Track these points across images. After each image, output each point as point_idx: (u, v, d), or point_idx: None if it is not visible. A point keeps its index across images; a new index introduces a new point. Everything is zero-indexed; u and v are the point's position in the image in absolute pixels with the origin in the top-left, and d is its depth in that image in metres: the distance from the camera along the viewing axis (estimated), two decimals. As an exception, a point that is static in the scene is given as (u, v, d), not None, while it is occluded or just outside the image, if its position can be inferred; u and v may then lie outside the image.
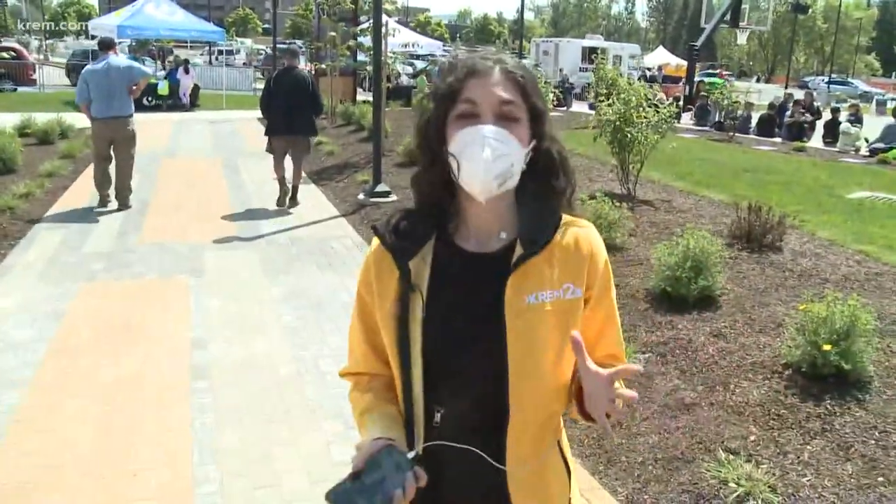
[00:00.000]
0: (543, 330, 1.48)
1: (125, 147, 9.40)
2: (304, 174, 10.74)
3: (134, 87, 9.37)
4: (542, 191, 1.55)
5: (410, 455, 1.44)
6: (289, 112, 9.58)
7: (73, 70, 26.27)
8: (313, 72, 21.66)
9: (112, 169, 9.50)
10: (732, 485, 3.53)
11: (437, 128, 1.51)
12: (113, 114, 9.16)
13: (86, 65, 10.00)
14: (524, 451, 1.53)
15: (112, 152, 9.40)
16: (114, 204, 9.52)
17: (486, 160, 1.42)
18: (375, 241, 1.62)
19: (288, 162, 9.97)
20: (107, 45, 9.54)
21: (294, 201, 9.92)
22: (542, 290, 1.49)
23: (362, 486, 1.39)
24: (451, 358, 1.52)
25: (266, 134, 9.99)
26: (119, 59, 9.61)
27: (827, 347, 4.22)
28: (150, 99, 22.43)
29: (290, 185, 9.89)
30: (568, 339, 1.45)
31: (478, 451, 1.48)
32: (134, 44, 30.41)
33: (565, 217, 1.56)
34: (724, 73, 40.52)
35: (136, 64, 10.47)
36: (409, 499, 1.41)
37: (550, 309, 1.49)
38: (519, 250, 1.49)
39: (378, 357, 1.64)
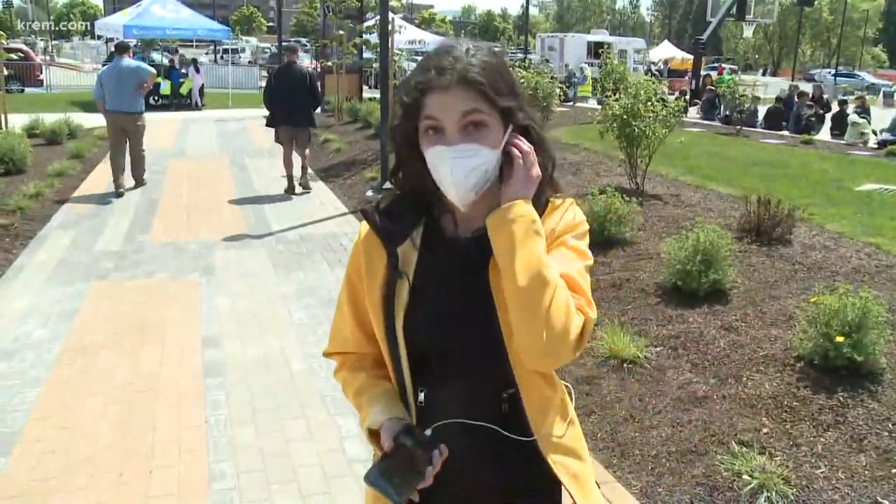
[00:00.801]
0: None
1: (136, 138, 10.61)
2: (311, 171, 11.50)
3: (144, 85, 10.51)
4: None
5: (428, 432, 1.50)
6: (290, 105, 10.39)
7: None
8: (319, 69, 21.73)
9: (127, 158, 10.64)
10: (746, 477, 3.54)
11: (407, 137, 1.51)
12: (122, 109, 10.28)
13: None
14: (544, 418, 1.56)
15: (126, 143, 10.55)
16: (130, 183, 10.68)
17: (456, 181, 1.44)
18: (364, 225, 1.63)
19: (294, 158, 10.74)
20: (122, 49, 10.77)
21: (307, 187, 10.78)
22: None
23: (395, 467, 1.46)
24: (437, 342, 1.54)
25: (269, 125, 10.85)
26: (129, 61, 10.60)
27: (839, 339, 4.22)
28: (156, 98, 22.49)
29: (300, 169, 10.75)
30: None
31: (496, 427, 1.52)
32: (140, 43, 30.47)
33: (553, 201, 1.58)
34: (723, 67, 40.13)
35: (143, 65, 11.25)
36: (437, 471, 1.46)
37: None
38: None
39: (367, 338, 1.66)
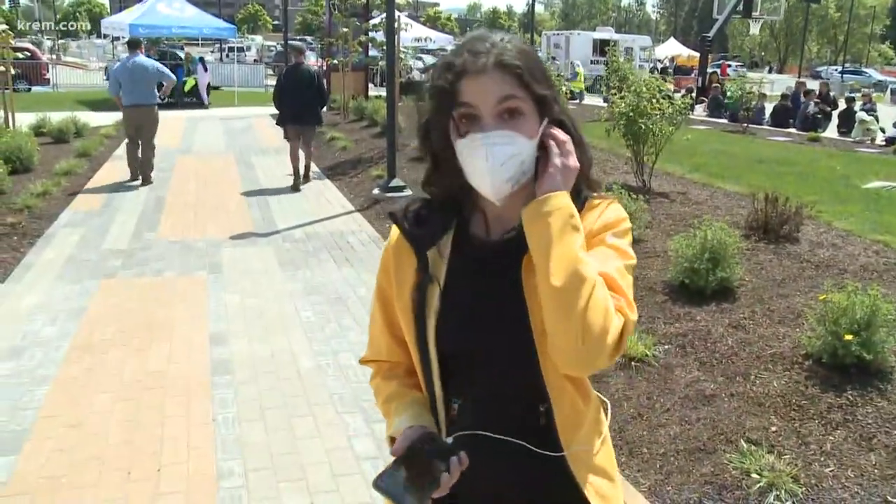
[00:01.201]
0: None
1: (149, 129, 11.06)
2: (318, 170, 11.90)
3: (163, 86, 11.63)
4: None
5: (449, 440, 1.45)
6: (297, 104, 10.78)
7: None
8: (325, 67, 21.73)
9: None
10: (755, 475, 3.53)
11: (440, 130, 1.45)
12: (136, 102, 10.79)
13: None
14: (575, 433, 1.50)
15: (138, 136, 11.02)
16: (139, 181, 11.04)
17: (493, 168, 1.37)
18: (395, 230, 1.59)
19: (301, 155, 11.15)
20: (134, 45, 11.40)
21: (307, 178, 11.25)
22: None
23: (409, 472, 1.39)
24: (468, 349, 1.50)
25: (278, 124, 11.30)
26: (143, 58, 11.08)
27: (848, 338, 4.21)
28: (161, 97, 22.46)
29: (304, 166, 11.18)
30: None
31: (521, 441, 1.45)
32: (146, 42, 30.50)
33: (591, 200, 1.51)
34: (727, 65, 39.70)
35: (159, 66, 11.54)
36: (455, 480, 1.40)
37: None
38: None
39: (400, 346, 1.62)
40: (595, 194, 1.53)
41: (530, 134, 1.40)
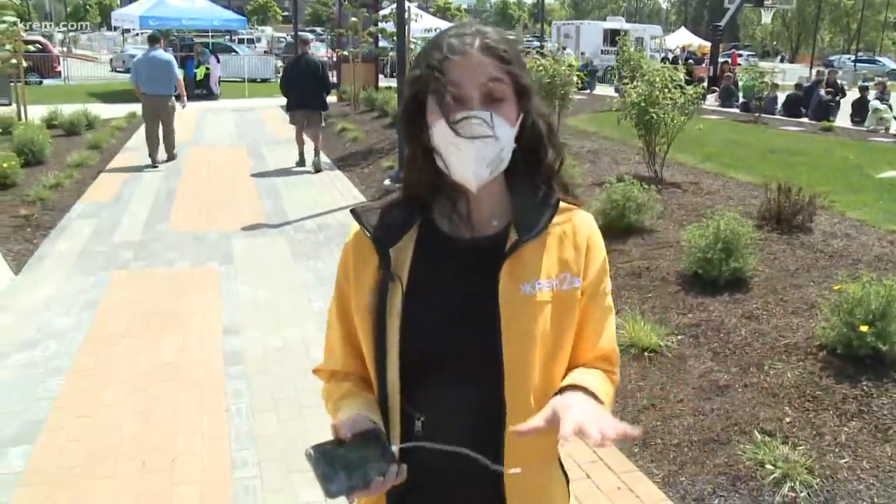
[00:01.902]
0: (541, 322, 1.37)
1: (166, 117, 12.01)
2: (329, 160, 12.15)
3: (177, 82, 12.21)
4: (530, 167, 1.44)
5: (395, 448, 1.33)
6: (303, 91, 11.50)
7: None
8: (335, 58, 21.72)
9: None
10: (769, 466, 3.52)
11: (418, 113, 1.38)
12: (153, 92, 11.70)
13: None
14: (523, 455, 1.39)
15: (157, 122, 11.93)
16: (162, 157, 12.08)
17: (477, 147, 1.32)
18: (355, 226, 1.50)
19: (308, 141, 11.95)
20: (154, 40, 12.31)
21: (318, 160, 11.73)
22: (539, 279, 1.38)
23: (345, 457, 1.28)
24: (432, 357, 1.39)
25: (286, 110, 12.23)
26: (161, 52, 12.03)
27: (863, 328, 4.18)
28: (180, 101, 22.51)
29: (310, 149, 11.84)
30: (566, 333, 1.41)
31: (470, 452, 1.31)
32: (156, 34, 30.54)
33: (563, 203, 1.44)
34: (737, 54, 39.09)
35: (173, 62, 12.32)
36: (384, 490, 1.30)
37: (547, 300, 1.38)
38: (514, 236, 1.38)
39: (358, 357, 1.51)
40: (567, 198, 1.48)
41: (511, 121, 1.36)
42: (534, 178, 1.44)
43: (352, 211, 1.51)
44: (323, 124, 12.49)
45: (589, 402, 1.31)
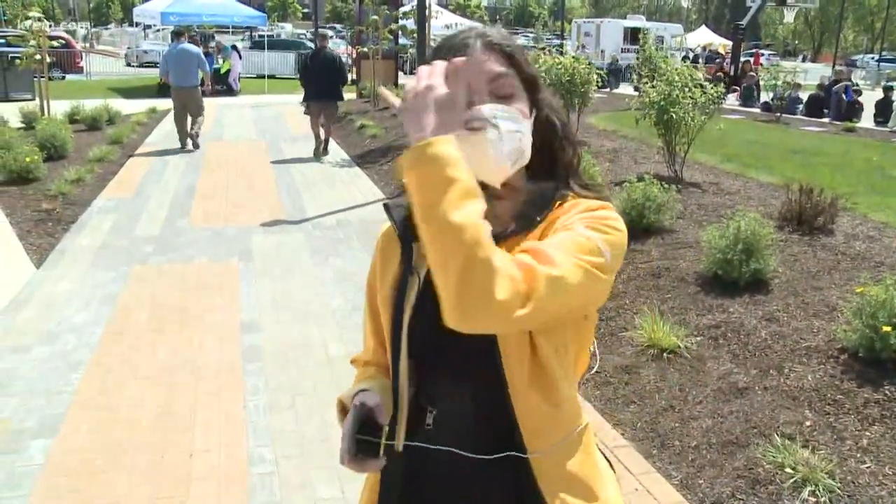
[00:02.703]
0: None
1: (194, 107, 12.93)
2: (348, 157, 12.42)
3: (202, 74, 13.21)
4: (548, 166, 1.44)
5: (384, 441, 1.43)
6: (321, 83, 12.25)
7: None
8: (354, 55, 21.76)
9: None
10: (789, 470, 3.49)
11: None
12: (181, 84, 12.64)
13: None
14: (544, 441, 1.39)
15: (186, 111, 12.87)
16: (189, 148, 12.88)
17: (493, 140, 1.30)
18: (387, 220, 1.55)
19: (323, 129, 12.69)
20: (178, 34, 13.37)
21: (326, 152, 12.63)
22: None
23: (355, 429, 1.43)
24: (441, 350, 1.39)
25: (304, 101, 12.86)
26: (188, 45, 13.03)
27: (887, 330, 4.13)
28: (205, 89, 22.65)
29: (323, 139, 12.61)
30: (565, 321, 1.32)
31: (461, 452, 1.39)
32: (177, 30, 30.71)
33: (574, 197, 1.41)
34: (760, 53, 38.44)
35: (200, 54, 13.39)
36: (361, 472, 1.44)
37: None
38: (511, 227, 1.39)
39: (382, 347, 1.57)
40: (583, 192, 1.44)
41: (524, 113, 1.38)
42: (552, 176, 1.44)
43: (384, 205, 1.54)
44: (337, 113, 13.41)
45: None
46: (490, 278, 1.14)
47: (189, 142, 12.84)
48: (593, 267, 1.26)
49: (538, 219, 1.38)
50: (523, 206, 1.41)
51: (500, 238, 1.31)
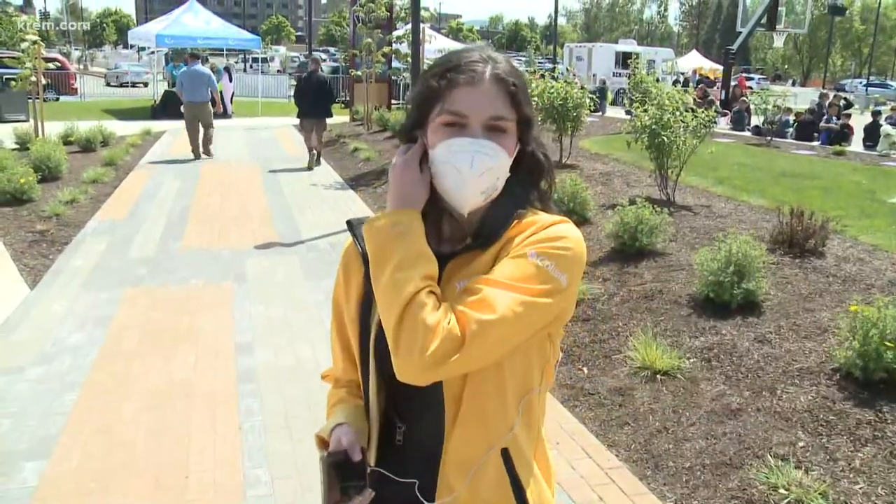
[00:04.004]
0: None
1: (205, 120, 14.62)
2: (342, 180, 12.52)
3: (213, 92, 15.01)
4: (527, 193, 1.46)
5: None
6: (313, 102, 13.72)
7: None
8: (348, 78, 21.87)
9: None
10: (783, 491, 3.51)
11: (413, 127, 1.44)
12: (192, 98, 14.43)
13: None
14: (460, 460, 1.41)
15: (197, 123, 14.52)
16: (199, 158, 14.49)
17: (472, 176, 1.34)
18: (349, 240, 1.56)
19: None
20: (195, 57, 15.78)
21: (318, 163, 13.97)
22: (473, 276, 1.35)
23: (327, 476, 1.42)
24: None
25: (298, 117, 14.34)
26: (201, 67, 15.14)
27: (888, 344, 4.16)
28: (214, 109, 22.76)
29: (316, 153, 13.96)
30: (526, 347, 1.37)
31: (410, 481, 1.43)
32: (171, 52, 30.87)
33: (529, 212, 1.45)
34: (743, 78, 38.53)
35: (211, 74, 15.45)
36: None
37: None
38: (468, 241, 1.42)
39: (351, 363, 1.58)
40: (540, 211, 1.47)
41: (510, 151, 1.40)
42: (523, 202, 1.46)
43: (347, 222, 1.55)
44: (327, 130, 14.87)
45: None
46: (419, 333, 1.25)
47: (202, 152, 14.57)
48: (543, 295, 1.31)
49: (494, 237, 1.40)
50: (482, 223, 1.42)
51: (457, 253, 1.41)
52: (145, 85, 34.71)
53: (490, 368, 1.35)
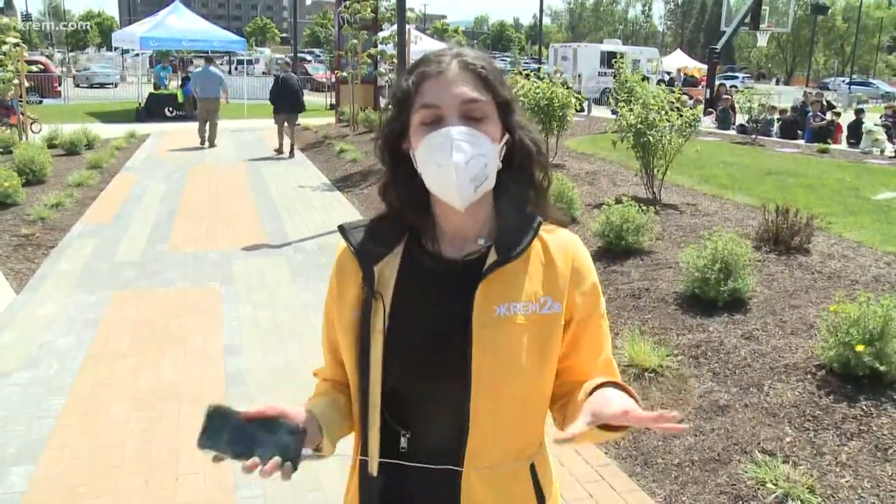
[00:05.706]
0: (513, 344, 1.35)
1: (214, 112, 16.83)
2: (328, 181, 12.63)
3: (224, 90, 17.46)
4: (522, 187, 1.43)
5: (307, 452, 1.36)
6: (285, 100, 15.73)
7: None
8: (334, 79, 21.90)
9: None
10: (770, 486, 3.54)
11: (400, 135, 1.40)
12: (206, 96, 16.76)
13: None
14: (481, 475, 1.40)
15: (207, 117, 16.71)
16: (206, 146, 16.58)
17: (458, 165, 1.30)
18: (341, 244, 1.50)
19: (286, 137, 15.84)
20: (210, 60, 18.15)
21: (292, 155, 15.67)
22: (516, 302, 1.36)
23: (241, 429, 1.32)
24: (415, 374, 1.39)
25: (273, 113, 16.03)
26: (214, 68, 17.50)
27: (860, 348, 4.21)
28: (170, 109, 22.71)
29: (288, 143, 15.79)
30: (545, 357, 1.38)
31: (431, 466, 1.39)
32: (156, 55, 30.74)
33: (546, 224, 1.44)
34: (723, 84, 38.41)
35: (222, 75, 18.04)
36: (263, 477, 1.29)
37: (523, 323, 1.36)
38: (493, 256, 1.36)
39: (340, 369, 1.53)
40: (552, 217, 1.48)
41: (493, 137, 1.36)
42: (522, 198, 1.43)
43: (339, 227, 1.50)
44: (298, 123, 16.64)
45: (623, 395, 1.30)
46: None
47: (206, 142, 16.70)
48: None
49: (523, 246, 1.38)
50: (504, 233, 1.40)
51: (490, 268, 1.36)
52: (115, 85, 34.66)
53: (529, 383, 1.39)
